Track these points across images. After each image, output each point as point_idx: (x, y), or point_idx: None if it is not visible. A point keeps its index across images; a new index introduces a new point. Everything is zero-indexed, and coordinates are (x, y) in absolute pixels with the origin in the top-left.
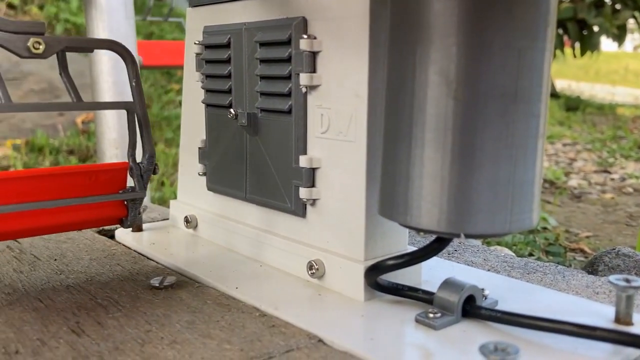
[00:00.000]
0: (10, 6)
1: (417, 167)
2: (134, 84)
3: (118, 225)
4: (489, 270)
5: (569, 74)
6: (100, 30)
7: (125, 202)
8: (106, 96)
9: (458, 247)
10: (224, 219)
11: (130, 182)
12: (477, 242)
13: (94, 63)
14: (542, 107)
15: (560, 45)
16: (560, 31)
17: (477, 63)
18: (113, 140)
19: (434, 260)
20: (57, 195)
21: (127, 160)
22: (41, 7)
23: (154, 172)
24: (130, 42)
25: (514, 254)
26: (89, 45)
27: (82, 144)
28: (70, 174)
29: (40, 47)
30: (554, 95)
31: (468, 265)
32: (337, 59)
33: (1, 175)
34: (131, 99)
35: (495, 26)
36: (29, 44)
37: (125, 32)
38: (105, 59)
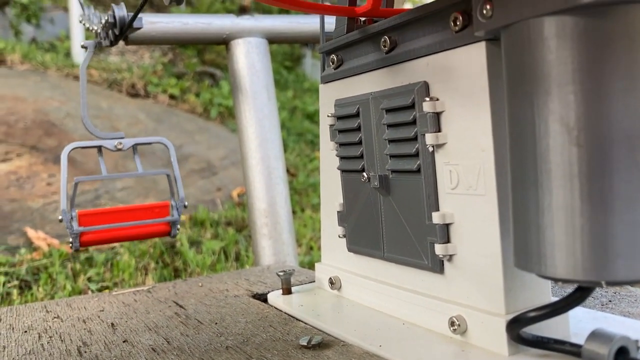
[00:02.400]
0: (172, 97)
1: (546, 216)
2: (172, 160)
3: (271, 290)
4: None
5: None
6: (247, 112)
7: (169, 223)
8: (255, 170)
9: (613, 297)
10: (365, 279)
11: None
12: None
13: (243, 142)
14: None
15: None
16: None
17: (597, 108)
18: (263, 210)
19: (584, 312)
20: (133, 219)
21: (168, 201)
22: (197, 95)
23: (185, 207)
24: (273, 119)
25: None
26: (147, 142)
27: (237, 215)
28: (138, 209)
29: (121, 145)
30: None
31: (624, 316)
32: (461, 117)
33: (108, 209)
34: (171, 169)
35: (614, 68)
36: (115, 144)
37: (269, 112)
38: (253, 136)
